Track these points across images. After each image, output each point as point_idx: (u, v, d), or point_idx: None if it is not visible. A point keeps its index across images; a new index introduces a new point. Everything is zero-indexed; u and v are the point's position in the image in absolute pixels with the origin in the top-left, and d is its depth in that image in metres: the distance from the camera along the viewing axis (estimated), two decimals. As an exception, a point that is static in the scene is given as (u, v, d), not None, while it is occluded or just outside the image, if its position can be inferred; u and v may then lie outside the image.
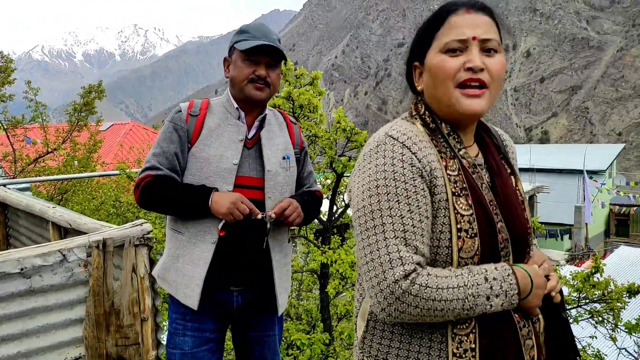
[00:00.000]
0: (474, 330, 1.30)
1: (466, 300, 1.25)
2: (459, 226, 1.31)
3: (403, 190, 1.30)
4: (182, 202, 2.19)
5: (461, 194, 1.34)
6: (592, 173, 31.11)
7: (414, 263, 1.26)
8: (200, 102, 2.35)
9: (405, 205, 1.29)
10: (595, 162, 32.95)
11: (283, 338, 6.11)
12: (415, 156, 1.33)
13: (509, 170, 1.52)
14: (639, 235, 33.30)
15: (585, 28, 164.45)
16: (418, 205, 1.30)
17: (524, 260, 1.43)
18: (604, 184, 28.85)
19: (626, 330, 5.13)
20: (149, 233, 2.96)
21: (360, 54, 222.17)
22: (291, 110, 5.10)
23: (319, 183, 5.76)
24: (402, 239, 1.27)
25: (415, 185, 1.30)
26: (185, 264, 2.25)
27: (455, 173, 1.37)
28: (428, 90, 1.44)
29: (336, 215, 6.16)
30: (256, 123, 2.36)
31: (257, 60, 2.26)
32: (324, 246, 5.56)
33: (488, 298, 1.26)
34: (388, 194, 1.30)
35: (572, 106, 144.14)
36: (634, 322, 5.25)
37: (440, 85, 1.37)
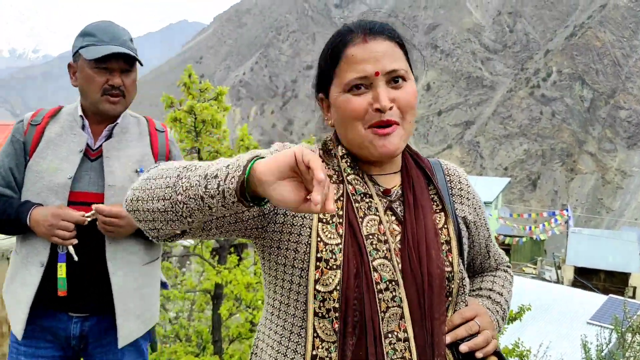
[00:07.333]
0: None
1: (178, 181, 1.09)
2: (319, 255, 1.19)
3: None
4: (1, 220, 2.00)
5: (331, 222, 1.22)
6: (481, 204, 33.11)
7: None
8: (48, 110, 2.14)
9: None
10: (483, 194, 35.12)
11: (170, 360, 5.85)
12: None
13: (437, 207, 1.35)
14: (519, 264, 35.75)
15: (480, 68, 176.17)
16: None
17: (440, 309, 1.25)
18: (491, 215, 30.75)
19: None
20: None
21: (268, 73, 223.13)
22: (193, 124, 4.96)
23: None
24: None
25: None
26: (17, 287, 2.05)
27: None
28: (339, 129, 1.32)
29: (234, 235, 6.03)
30: (105, 132, 2.13)
31: (109, 68, 2.03)
32: (219, 266, 5.41)
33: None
34: None
35: (465, 140, 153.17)
36: (510, 347, 5.59)
37: (350, 127, 1.26)
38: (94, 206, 1.99)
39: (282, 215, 1.25)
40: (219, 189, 1.02)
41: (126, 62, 2.06)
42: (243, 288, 4.99)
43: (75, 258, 2.00)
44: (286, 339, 1.24)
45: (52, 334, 2.09)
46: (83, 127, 2.11)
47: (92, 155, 2.10)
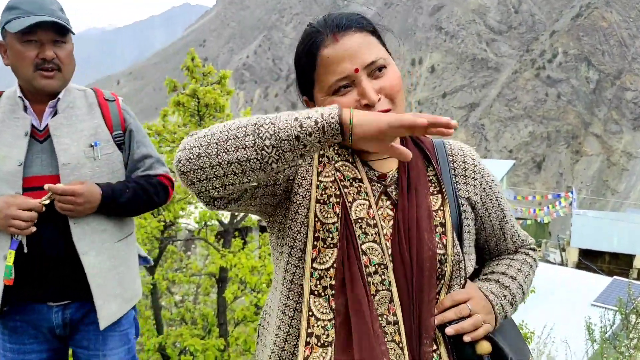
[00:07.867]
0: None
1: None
2: (316, 235, 1.22)
3: None
4: None
5: (328, 202, 1.24)
6: (485, 186, 33.08)
7: None
8: None
9: None
10: (488, 176, 34.99)
11: (176, 343, 5.91)
12: None
13: (435, 189, 1.33)
14: (523, 247, 35.74)
15: (485, 49, 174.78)
16: None
17: (430, 292, 1.24)
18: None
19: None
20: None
21: (272, 56, 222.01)
22: (196, 108, 4.94)
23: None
24: None
25: None
26: None
27: (330, 179, 1.26)
28: None
29: (238, 218, 6.05)
30: (48, 110, 1.99)
31: (39, 40, 1.88)
32: (223, 249, 5.43)
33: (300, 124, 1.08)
34: None
35: (470, 122, 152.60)
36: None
37: None
38: (46, 185, 1.88)
39: (293, 194, 1.28)
40: (318, 126, 1.06)
41: (57, 32, 1.92)
42: (248, 271, 5.01)
43: (25, 250, 1.93)
44: (288, 316, 1.27)
45: (34, 327, 2.05)
46: (25, 109, 1.98)
47: (40, 137, 1.98)
